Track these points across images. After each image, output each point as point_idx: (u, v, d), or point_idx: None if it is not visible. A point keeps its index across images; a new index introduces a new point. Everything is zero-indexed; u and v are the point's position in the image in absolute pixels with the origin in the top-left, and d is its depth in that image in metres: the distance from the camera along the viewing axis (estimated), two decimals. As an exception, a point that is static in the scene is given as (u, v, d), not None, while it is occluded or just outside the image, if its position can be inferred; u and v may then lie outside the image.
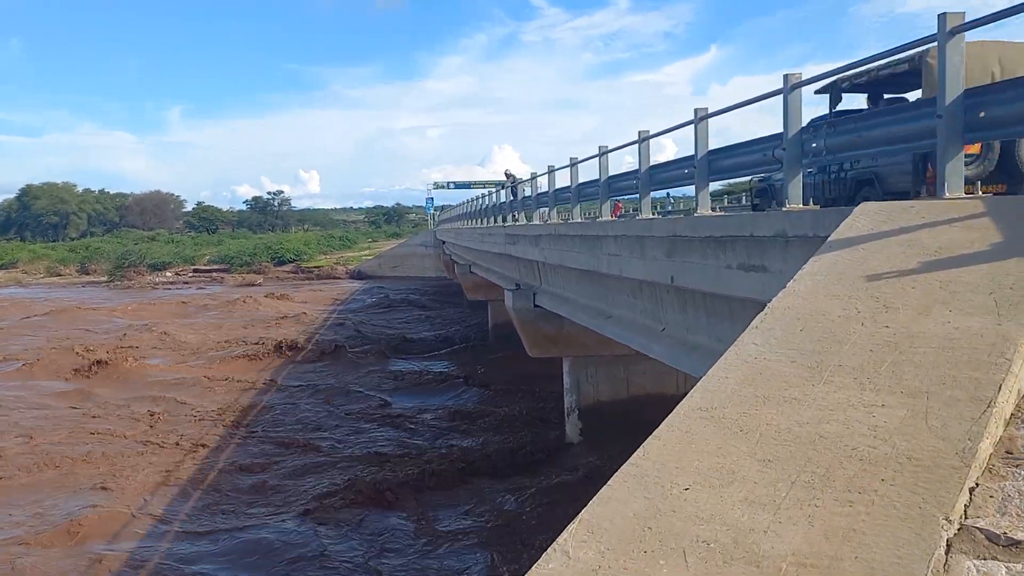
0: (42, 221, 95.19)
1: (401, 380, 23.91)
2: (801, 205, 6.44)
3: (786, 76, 6.41)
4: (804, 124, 6.49)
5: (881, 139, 5.69)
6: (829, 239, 3.71)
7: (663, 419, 2.66)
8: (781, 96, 6.58)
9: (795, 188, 6.49)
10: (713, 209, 9.47)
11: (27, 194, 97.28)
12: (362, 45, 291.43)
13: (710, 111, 8.22)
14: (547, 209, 16.22)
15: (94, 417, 19.09)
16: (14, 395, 21.34)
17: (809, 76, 6.44)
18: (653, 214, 10.22)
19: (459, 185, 74.50)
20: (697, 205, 8.18)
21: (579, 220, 12.81)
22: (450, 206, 72.73)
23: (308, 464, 15.75)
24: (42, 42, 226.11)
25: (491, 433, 17.85)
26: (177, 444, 16.85)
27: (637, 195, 10.58)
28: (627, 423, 16.70)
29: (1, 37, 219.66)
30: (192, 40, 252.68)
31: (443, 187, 75.08)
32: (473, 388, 22.57)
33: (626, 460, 2.44)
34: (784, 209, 6.40)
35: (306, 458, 16.08)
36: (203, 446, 16.76)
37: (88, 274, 67.75)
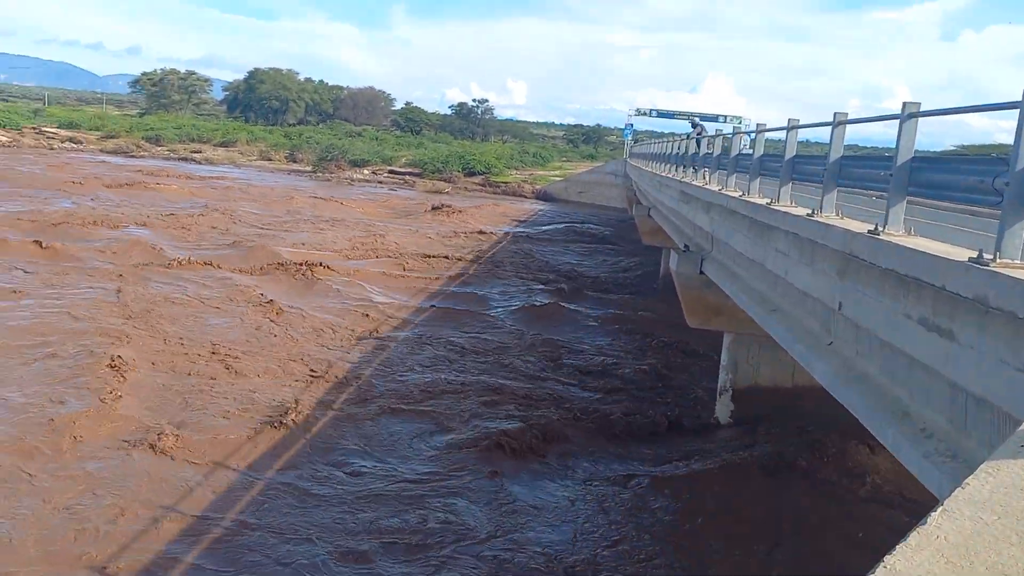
0: (264, 105, 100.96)
1: (558, 315, 23.18)
2: (1020, 262, 4.75)
3: (1028, 87, 4.67)
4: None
5: None
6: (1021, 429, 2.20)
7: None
8: (1018, 110, 4.85)
9: (1013, 238, 4.80)
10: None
11: (254, 77, 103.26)
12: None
13: (922, 108, 6.44)
14: (725, 174, 14.45)
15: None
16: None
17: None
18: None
19: (662, 114, 71.04)
20: (886, 223, 6.52)
21: (757, 199, 11.16)
22: (652, 132, 69.70)
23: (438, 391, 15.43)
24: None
25: (634, 393, 16.73)
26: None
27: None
28: (785, 414, 15.10)
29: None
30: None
31: (644, 114, 71.74)
32: (627, 338, 21.43)
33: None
34: (991, 266, 4.76)
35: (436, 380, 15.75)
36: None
37: (295, 162, 71.37)
